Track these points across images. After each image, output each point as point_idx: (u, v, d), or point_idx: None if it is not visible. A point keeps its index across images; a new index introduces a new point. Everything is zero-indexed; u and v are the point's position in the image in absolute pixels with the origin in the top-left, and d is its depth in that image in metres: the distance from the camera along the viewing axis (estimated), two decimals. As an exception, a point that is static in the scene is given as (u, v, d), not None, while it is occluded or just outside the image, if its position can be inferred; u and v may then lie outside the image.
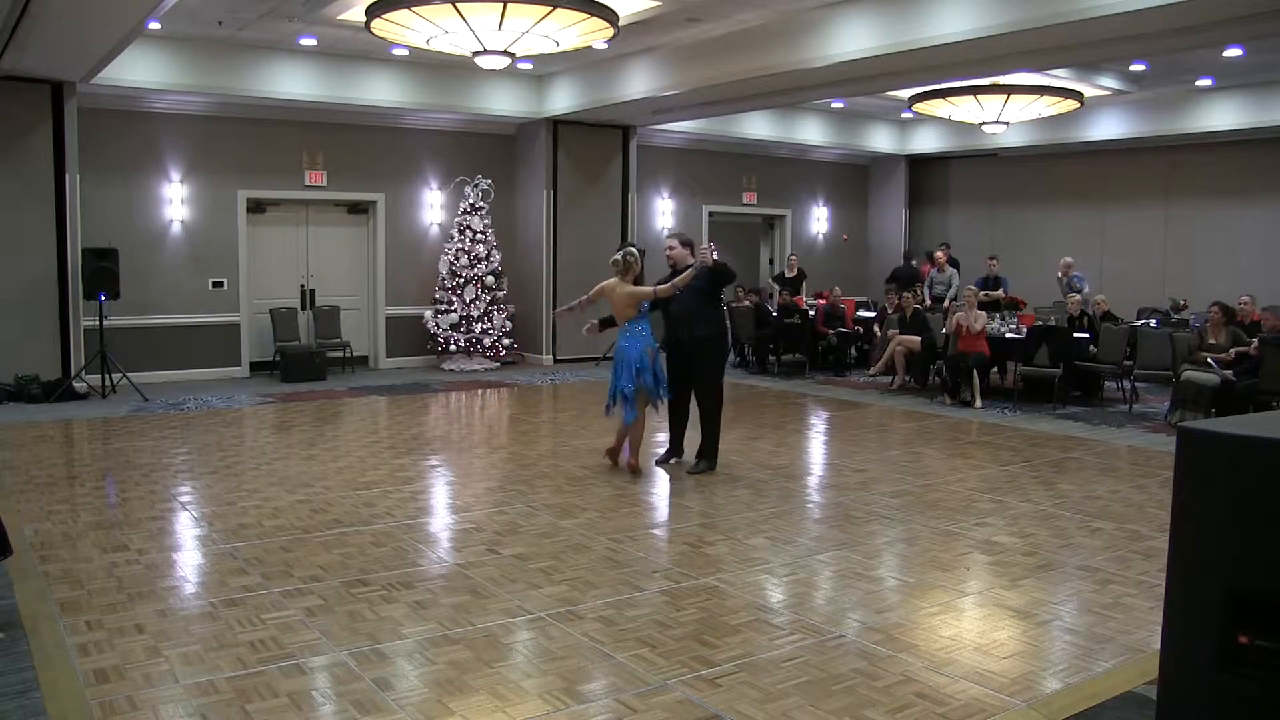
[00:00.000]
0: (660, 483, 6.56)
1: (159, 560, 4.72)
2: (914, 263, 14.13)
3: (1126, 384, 9.71)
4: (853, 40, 8.62)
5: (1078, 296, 10.57)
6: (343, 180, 11.80)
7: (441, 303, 12.02)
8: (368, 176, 11.97)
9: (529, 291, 12.84)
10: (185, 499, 5.89)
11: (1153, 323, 10.79)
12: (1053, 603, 4.26)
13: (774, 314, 12.26)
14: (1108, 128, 13.21)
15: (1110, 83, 11.55)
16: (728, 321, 6.26)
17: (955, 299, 12.00)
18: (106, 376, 9.77)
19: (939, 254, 13.07)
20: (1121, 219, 14.18)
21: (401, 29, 7.88)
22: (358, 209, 12.19)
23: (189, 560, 4.78)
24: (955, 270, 12.84)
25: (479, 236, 11.97)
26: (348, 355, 11.74)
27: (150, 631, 3.81)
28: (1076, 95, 11.00)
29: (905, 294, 11.55)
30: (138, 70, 9.78)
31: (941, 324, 10.47)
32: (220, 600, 4.17)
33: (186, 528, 5.32)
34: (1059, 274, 11.79)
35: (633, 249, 6.56)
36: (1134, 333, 9.71)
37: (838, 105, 14.00)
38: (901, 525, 5.42)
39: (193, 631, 3.82)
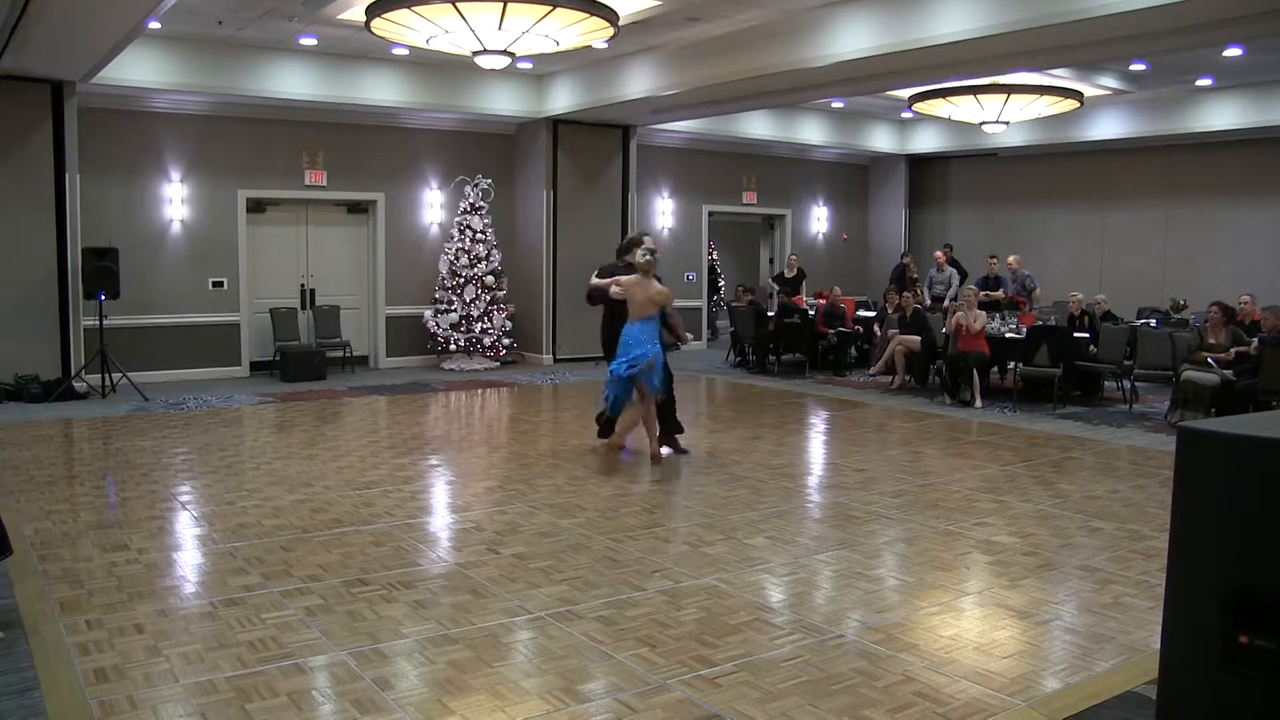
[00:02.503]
0: (660, 482, 6.57)
1: (159, 560, 4.72)
2: (904, 260, 14.19)
3: (1126, 384, 9.71)
4: (852, 40, 8.62)
5: (1038, 290, 11.07)
6: (343, 180, 11.80)
7: (441, 302, 12.02)
8: (368, 176, 11.97)
9: (529, 291, 12.84)
10: (185, 498, 5.89)
11: (1153, 322, 10.79)
12: (1053, 602, 4.25)
13: (770, 314, 12.27)
14: (1108, 127, 13.22)
15: (1110, 82, 11.55)
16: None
17: (955, 299, 12.00)
18: (106, 376, 9.77)
19: (939, 254, 13.08)
20: (1121, 218, 14.18)
21: (401, 28, 7.88)
22: (358, 209, 12.19)
23: (189, 560, 4.77)
24: (955, 270, 12.84)
25: (479, 236, 11.97)
26: (348, 355, 11.74)
27: (150, 631, 3.81)
28: (1076, 95, 11.00)
29: (905, 294, 11.56)
30: (138, 70, 9.78)
31: (941, 324, 10.47)
32: (220, 600, 4.17)
33: (186, 527, 5.32)
34: (1012, 271, 12.04)
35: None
36: (1134, 332, 9.71)
37: (838, 105, 14.00)
38: (901, 525, 5.41)
39: (192, 631, 3.82)
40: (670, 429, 7.10)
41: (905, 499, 5.98)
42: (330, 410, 9.20)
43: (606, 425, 7.09)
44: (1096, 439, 7.99)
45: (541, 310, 12.70)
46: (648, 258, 6.71)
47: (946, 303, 12.14)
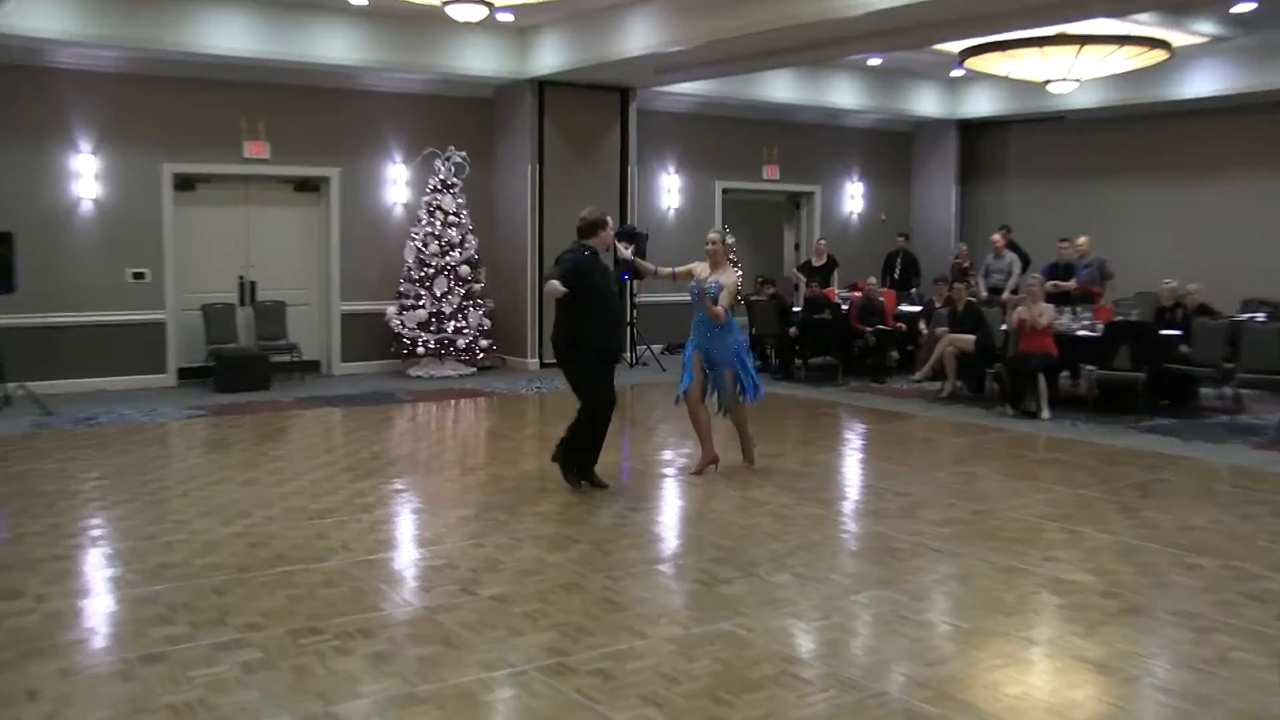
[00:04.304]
0: (666, 509, 6.55)
1: (62, 609, 4.68)
2: (900, 241, 14.23)
3: (1227, 390, 9.67)
4: (894, -18, 8.59)
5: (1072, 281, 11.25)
6: (289, 153, 11.79)
7: (407, 297, 12.02)
8: (319, 148, 11.96)
9: (510, 284, 12.82)
10: (96, 533, 5.86)
11: (1260, 317, 10.72)
12: (1141, 655, 4.22)
13: (796, 309, 12.25)
14: (1203, 83, 13.11)
15: (1207, 28, 11.45)
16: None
17: (1017, 291, 11.96)
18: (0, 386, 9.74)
19: (996, 237, 13.06)
20: (1220, 193, 14.09)
21: (358, -30, 7.85)
22: (307, 186, 12.19)
23: (99, 608, 4.75)
24: (1016, 256, 12.80)
25: (451, 219, 11.96)
26: (295, 360, 11.74)
27: (48, 697, 3.76)
28: (1164, 45, 10.93)
29: (956, 285, 11.49)
30: (39, 17, 9.73)
31: (1000, 320, 10.47)
32: (137, 656, 4.12)
33: (97, 568, 5.29)
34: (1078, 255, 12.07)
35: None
36: (1236, 329, 9.66)
37: (875, 62, 13.99)
38: (954, 559, 5.40)
39: (101, 695, 3.78)
40: (582, 458, 6.81)
41: (958, 528, 5.96)
42: (275, 426, 9.19)
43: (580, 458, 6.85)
44: (1191, 457, 7.96)
45: (525, 306, 12.68)
46: (727, 236, 7.34)
47: (1006, 295, 12.10)
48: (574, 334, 6.59)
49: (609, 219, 6.84)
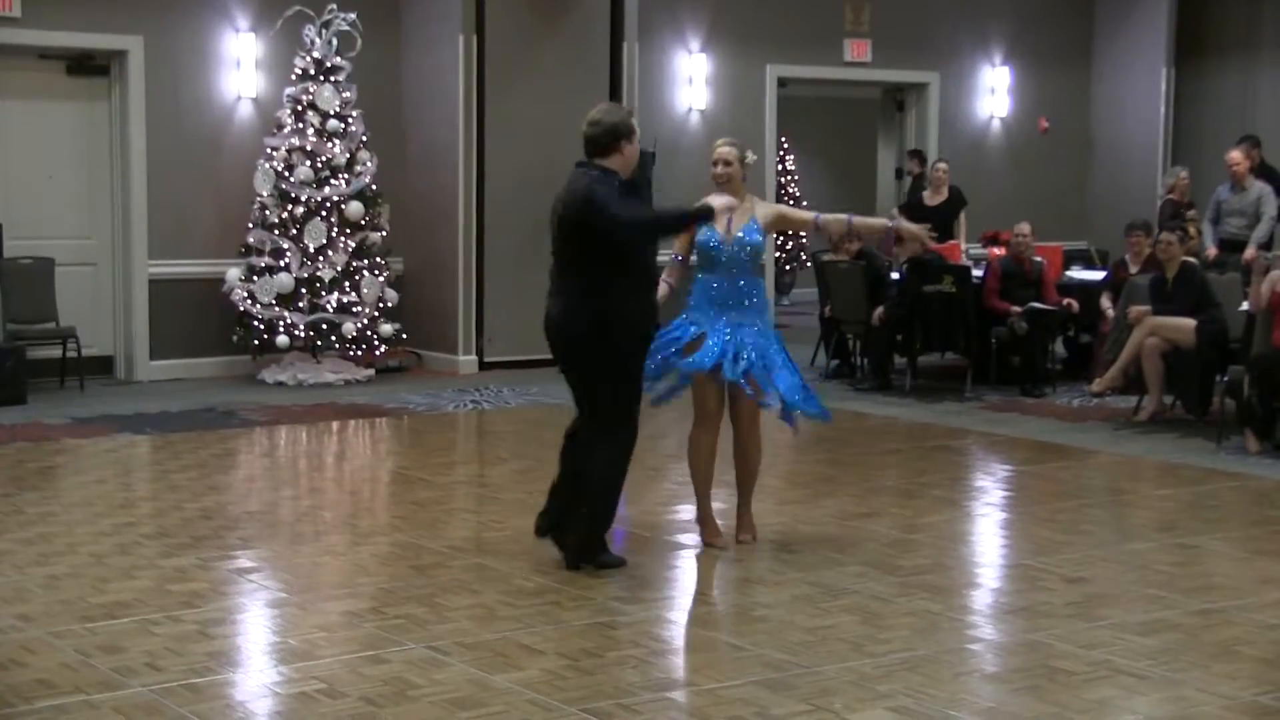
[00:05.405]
0: (682, 599, 6.57)
1: None
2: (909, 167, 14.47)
3: None
4: None
5: None
6: (57, 8, 11.75)
7: (261, 253, 12.03)
8: (109, 3, 11.93)
9: (429, 234, 12.84)
10: None
11: None
12: None
13: (897, 276, 12.33)
14: None
15: None
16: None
17: (1270, 246, 11.91)
18: None
19: (1235, 156, 12.92)
20: None
21: None
22: (88, 67, 12.20)
23: None
24: (1269, 188, 12.72)
25: (333, 124, 12.00)
26: (72, 355, 11.77)
27: None
28: None
29: (1165, 236, 11.47)
30: None
31: (1239, 294, 10.45)
32: None
33: None
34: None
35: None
36: None
37: None
38: (1162, 689, 5.35)
39: None
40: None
41: (1168, 638, 5.95)
42: (35, 465, 9.21)
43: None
44: None
45: (455, 270, 12.66)
46: (735, 150, 7.22)
47: (1251, 252, 12.02)
48: (606, 315, 6.60)
49: (635, 124, 6.83)
